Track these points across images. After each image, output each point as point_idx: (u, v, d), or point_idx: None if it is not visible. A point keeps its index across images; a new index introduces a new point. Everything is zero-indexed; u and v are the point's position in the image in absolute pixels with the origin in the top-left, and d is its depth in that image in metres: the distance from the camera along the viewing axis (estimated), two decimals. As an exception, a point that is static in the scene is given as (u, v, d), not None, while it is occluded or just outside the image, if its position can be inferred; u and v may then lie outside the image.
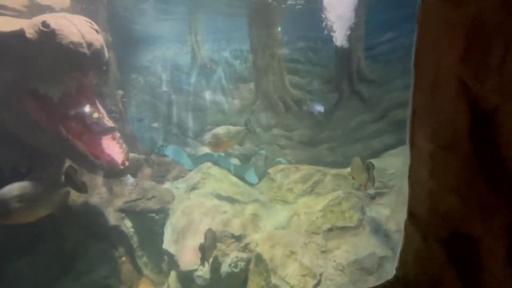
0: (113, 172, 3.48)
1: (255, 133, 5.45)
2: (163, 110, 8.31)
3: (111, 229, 4.74)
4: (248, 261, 4.39)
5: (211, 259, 4.18)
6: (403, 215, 1.85)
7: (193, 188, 5.86)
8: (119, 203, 5.00)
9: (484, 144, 1.22)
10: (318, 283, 3.93)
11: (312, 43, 8.56)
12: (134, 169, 4.62)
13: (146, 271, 5.00)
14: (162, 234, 5.06)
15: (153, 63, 8.68)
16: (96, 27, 2.98)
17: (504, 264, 1.26)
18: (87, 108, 3.50)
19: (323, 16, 6.42)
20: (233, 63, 8.67)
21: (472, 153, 1.25)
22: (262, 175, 6.68)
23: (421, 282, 1.72)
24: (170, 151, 7.96)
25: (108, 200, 4.92)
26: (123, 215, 4.99)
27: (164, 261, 4.93)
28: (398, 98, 7.03)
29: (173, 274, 4.60)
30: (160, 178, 6.13)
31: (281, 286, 3.84)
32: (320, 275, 4.00)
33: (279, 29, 7.13)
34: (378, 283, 1.91)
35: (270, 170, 6.22)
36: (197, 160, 7.29)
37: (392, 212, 4.63)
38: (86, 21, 2.93)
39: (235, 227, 4.73)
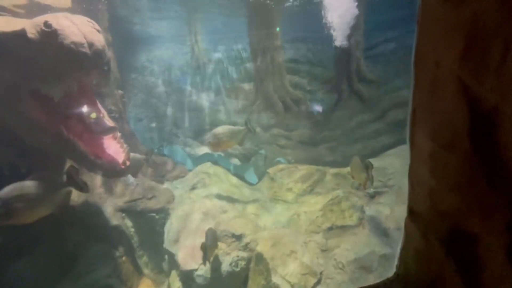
0: (114, 172, 3.49)
1: (255, 133, 5.47)
2: (163, 110, 8.30)
3: (112, 229, 4.75)
4: (248, 260, 4.41)
5: (212, 258, 4.19)
6: (402, 214, 1.85)
7: (193, 188, 5.87)
8: (119, 203, 5.01)
9: (484, 143, 1.23)
10: (319, 281, 3.95)
11: (311, 43, 8.57)
12: (134, 169, 4.62)
13: (146, 271, 5.01)
14: (162, 233, 5.07)
15: (153, 63, 8.67)
16: (97, 27, 2.99)
17: (503, 262, 1.26)
18: (87, 108, 3.50)
19: (323, 16, 6.44)
20: (232, 63, 8.68)
21: (472, 152, 1.26)
22: (262, 175, 6.69)
23: (421, 279, 1.72)
24: (170, 151, 7.96)
25: (109, 200, 4.93)
26: (124, 215, 5.00)
27: (165, 261, 4.94)
28: (397, 98, 7.05)
29: (173, 273, 4.62)
30: (160, 178, 6.14)
31: (282, 285, 3.86)
32: (321, 273, 4.02)
33: (278, 29, 7.14)
34: (378, 281, 1.93)
35: (270, 170, 6.24)
36: (197, 160, 7.30)
37: (391, 211, 4.66)
38: (87, 21, 2.93)
39: (236, 227, 4.74)
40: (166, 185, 5.98)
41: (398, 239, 1.90)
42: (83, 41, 2.73)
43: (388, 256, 4.01)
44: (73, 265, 4.31)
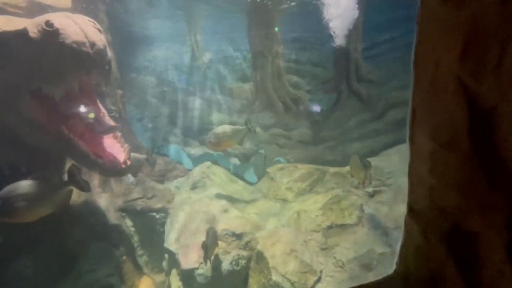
0: (115, 171, 3.50)
1: (255, 133, 5.48)
2: (163, 109, 8.30)
3: (112, 228, 4.75)
4: (249, 259, 4.43)
5: (212, 257, 4.21)
6: (401, 213, 1.86)
7: (193, 187, 5.89)
8: (119, 202, 5.02)
9: (483, 141, 1.24)
10: (319, 279, 3.98)
11: (311, 43, 8.59)
12: (135, 168, 4.63)
13: (146, 270, 5.02)
14: (162, 233, 5.08)
15: (153, 63, 8.65)
16: (98, 26, 3.00)
17: (503, 259, 1.27)
18: (88, 108, 3.51)
19: (322, 16, 6.46)
20: (232, 63, 8.68)
21: (471, 150, 1.27)
22: (261, 175, 6.71)
23: (421, 276, 1.73)
24: (169, 150, 7.96)
25: (109, 199, 4.93)
26: (124, 214, 5.01)
27: (165, 260, 4.95)
28: (396, 98, 7.08)
29: (174, 272, 4.63)
30: (160, 177, 6.14)
31: (282, 283, 3.88)
32: (321, 272, 4.05)
33: (276, 29, 7.15)
34: (378, 278, 1.94)
35: (270, 169, 6.26)
36: (197, 160, 7.31)
37: (390, 209, 4.69)
38: (88, 20, 2.94)
39: (236, 226, 4.76)
40: (166, 184, 5.99)
41: (397, 237, 1.91)
42: (85, 40, 2.74)
43: (387, 254, 4.04)
44: (73, 265, 4.31)
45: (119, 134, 3.70)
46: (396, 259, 1.92)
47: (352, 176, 4.37)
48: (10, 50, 2.88)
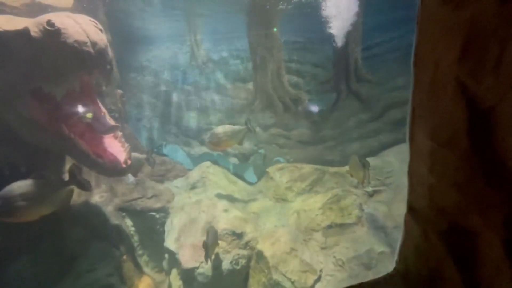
0: (116, 171, 3.50)
1: (255, 133, 5.49)
2: (162, 109, 8.30)
3: (112, 228, 4.76)
4: (249, 258, 4.45)
5: (213, 256, 4.22)
6: (400, 212, 1.86)
7: (193, 187, 5.89)
8: (119, 202, 5.02)
9: (482, 141, 1.25)
10: (319, 278, 4.00)
11: (310, 43, 8.62)
12: (135, 168, 4.63)
13: (146, 270, 5.02)
14: (162, 232, 5.09)
15: (152, 63, 8.66)
16: (100, 26, 3.00)
17: (501, 256, 1.28)
18: (89, 107, 3.51)
19: (322, 17, 6.48)
20: (232, 63, 8.69)
21: (470, 149, 1.29)
22: (261, 174, 6.72)
23: (421, 275, 1.74)
24: (169, 150, 7.97)
25: (109, 199, 4.94)
26: (124, 214, 5.01)
27: (165, 260, 4.96)
28: (395, 98, 7.11)
29: (174, 271, 4.64)
30: (160, 177, 6.15)
31: (282, 282, 3.90)
32: (321, 271, 4.07)
33: (275, 29, 7.16)
34: (378, 276, 1.95)
35: (269, 169, 6.27)
36: (197, 160, 7.32)
37: (389, 209, 4.72)
38: (90, 20, 2.94)
39: (236, 225, 4.77)
40: (165, 184, 6.00)
41: (396, 236, 1.92)
42: (86, 40, 2.74)
43: (387, 253, 4.06)
44: (73, 264, 4.31)
45: (119, 133, 3.70)
46: (396, 257, 1.93)
47: (351, 176, 4.39)
48: (11, 50, 2.87)
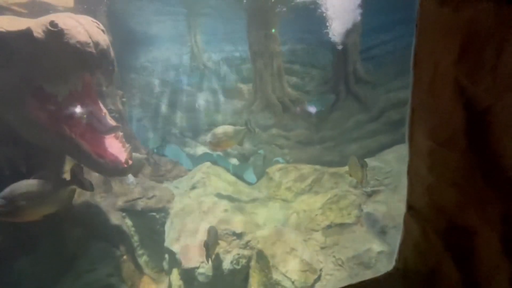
0: (117, 171, 3.51)
1: (255, 133, 5.51)
2: (162, 110, 8.31)
3: (112, 228, 4.76)
4: (249, 258, 4.46)
5: (213, 256, 4.23)
6: (399, 212, 1.88)
7: (193, 187, 5.91)
8: (119, 202, 5.03)
9: (479, 141, 1.28)
10: (319, 278, 4.03)
11: (310, 45, 8.65)
12: (135, 168, 4.65)
13: (146, 270, 5.03)
14: (162, 233, 5.09)
15: (153, 64, 8.67)
16: (102, 27, 3.02)
17: (499, 253, 1.30)
18: (90, 108, 3.52)
19: (321, 18, 6.53)
20: (231, 64, 8.72)
21: (468, 149, 1.31)
22: (260, 175, 6.75)
23: (420, 272, 1.76)
24: (169, 151, 7.98)
25: (109, 199, 4.95)
26: (124, 214, 5.02)
27: (165, 260, 4.97)
28: (394, 99, 7.15)
29: (174, 271, 4.64)
30: (160, 177, 6.16)
31: (283, 282, 3.92)
32: (320, 270, 4.10)
33: (273, 30, 7.19)
34: (378, 275, 1.97)
35: (269, 170, 6.30)
36: (196, 160, 7.33)
37: (388, 208, 4.75)
38: (92, 21, 2.96)
39: (236, 225, 4.79)
40: (165, 184, 6.01)
41: (395, 236, 1.94)
42: (89, 40, 2.76)
43: (386, 253, 4.10)
44: (73, 264, 4.31)
45: (120, 134, 3.72)
46: (395, 256, 1.95)
47: (350, 176, 4.43)
48: (14, 50, 2.89)
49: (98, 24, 3.00)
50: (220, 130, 5.00)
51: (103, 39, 2.91)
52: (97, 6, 5.29)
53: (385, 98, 7.29)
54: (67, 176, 3.55)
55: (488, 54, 1.18)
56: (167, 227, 5.09)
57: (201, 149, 7.54)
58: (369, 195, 5.24)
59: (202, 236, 4.38)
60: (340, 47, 6.95)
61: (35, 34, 2.76)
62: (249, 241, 4.60)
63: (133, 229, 5.05)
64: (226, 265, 4.35)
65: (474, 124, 1.27)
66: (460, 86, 1.29)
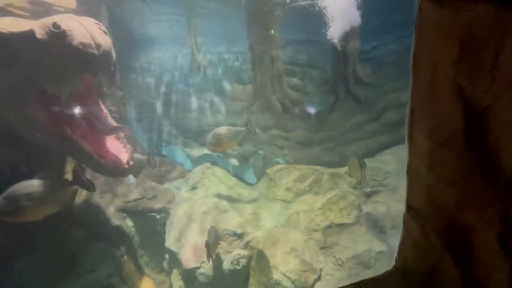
0: (118, 172, 3.52)
1: (255, 134, 5.53)
2: (162, 110, 8.32)
3: (113, 228, 4.77)
4: (249, 258, 4.48)
5: (214, 256, 4.25)
6: (398, 212, 1.89)
7: (193, 188, 5.92)
8: (120, 203, 5.04)
9: (478, 140, 1.30)
10: (319, 278, 4.05)
11: (309, 46, 8.67)
12: (136, 169, 4.66)
13: (147, 270, 5.04)
14: (163, 233, 5.10)
15: (153, 64, 8.67)
16: (104, 28, 3.04)
17: (497, 251, 1.32)
18: (91, 108, 3.54)
19: (321, 19, 6.55)
20: (232, 65, 8.73)
21: (467, 149, 1.33)
22: (260, 175, 6.76)
23: (419, 271, 1.77)
24: (169, 151, 7.99)
25: (110, 200, 4.96)
26: (125, 214, 5.03)
27: (165, 260, 4.97)
28: (393, 100, 7.18)
29: (175, 272, 4.65)
30: (160, 178, 6.17)
31: (283, 282, 3.94)
32: (320, 270, 4.12)
33: (272, 31, 7.22)
34: (378, 274, 1.99)
35: (269, 170, 6.31)
36: (196, 161, 7.33)
37: (387, 209, 4.77)
38: (94, 22, 2.98)
39: (236, 226, 4.81)
40: (166, 185, 6.02)
41: (394, 236, 1.96)
42: (91, 42, 2.78)
43: (385, 253, 4.12)
44: (74, 265, 4.32)
45: (121, 134, 3.73)
46: (395, 255, 1.96)
47: (350, 176, 4.45)
48: (17, 51, 2.90)
49: (100, 26, 3.02)
50: (220, 130, 5.02)
51: (105, 40, 2.94)
52: (98, 7, 5.31)
53: (385, 99, 7.32)
54: (68, 176, 3.56)
55: (487, 55, 1.20)
56: (167, 227, 5.10)
57: (201, 150, 7.55)
58: (369, 195, 5.26)
59: (202, 236, 4.39)
60: (339, 48, 6.99)
61: (37, 35, 2.78)
62: (249, 241, 4.61)
63: (133, 229, 5.05)
64: (227, 265, 4.36)
65: (473, 124, 1.29)
66: (459, 87, 1.30)
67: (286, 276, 3.99)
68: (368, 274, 3.90)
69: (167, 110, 8.31)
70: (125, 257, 4.69)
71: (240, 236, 4.67)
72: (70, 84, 3.02)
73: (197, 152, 7.59)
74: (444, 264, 1.60)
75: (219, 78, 8.50)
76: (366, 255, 4.16)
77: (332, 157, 6.85)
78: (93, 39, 2.81)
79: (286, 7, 7.28)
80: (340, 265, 4.13)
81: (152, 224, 5.25)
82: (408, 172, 1.84)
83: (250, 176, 7.09)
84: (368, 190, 5.33)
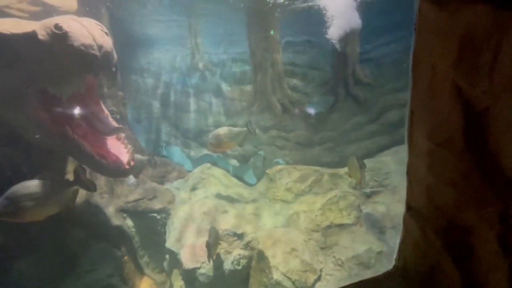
0: (119, 172, 3.53)
1: (256, 134, 5.54)
2: (162, 111, 8.33)
3: (113, 229, 4.78)
4: (250, 259, 4.49)
5: (215, 256, 4.25)
6: (398, 212, 1.90)
7: (194, 188, 5.92)
8: (120, 203, 5.05)
9: (477, 141, 1.31)
10: (319, 278, 4.06)
11: (309, 46, 8.68)
12: (137, 169, 4.67)
13: (147, 271, 5.04)
14: (163, 233, 5.11)
15: (153, 65, 8.69)
16: (105, 29, 3.06)
17: (496, 251, 1.33)
18: (92, 109, 3.55)
19: (321, 20, 6.57)
20: (232, 66, 8.73)
21: (466, 149, 1.34)
22: (260, 176, 6.77)
23: (419, 271, 1.77)
24: (169, 152, 7.99)
25: (110, 200, 4.96)
26: (125, 215, 5.04)
27: (166, 260, 4.98)
28: (392, 101, 7.19)
29: (175, 272, 4.66)
30: (160, 178, 6.18)
31: (283, 282, 3.95)
32: (320, 270, 4.13)
33: (271, 32, 7.23)
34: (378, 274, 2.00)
35: (269, 171, 6.32)
36: (196, 161, 7.34)
37: (387, 209, 4.78)
38: (96, 23, 2.99)
39: (236, 226, 4.81)
40: (166, 185, 6.03)
41: (394, 236, 1.96)
42: (93, 43, 2.80)
43: (385, 253, 4.13)
44: (74, 264, 4.33)
45: (122, 135, 3.74)
46: (395, 255, 1.97)
47: (350, 177, 4.46)
48: (18, 52, 2.92)
49: (102, 27, 3.04)
50: (220, 131, 5.03)
51: (107, 41, 2.95)
52: (99, 9, 5.33)
53: (384, 99, 7.34)
54: (69, 176, 3.57)
55: (486, 56, 1.21)
56: (167, 227, 5.11)
57: (201, 150, 7.56)
58: (369, 195, 5.27)
59: (202, 236, 4.40)
60: (339, 49, 7.00)
61: (39, 36, 2.79)
62: (249, 242, 4.62)
63: (134, 229, 5.06)
64: (227, 265, 4.37)
65: (473, 125, 1.30)
66: (458, 88, 1.31)
67: (286, 276, 4.00)
68: (368, 274, 3.91)
69: (167, 110, 8.32)
70: (125, 258, 4.70)
71: (240, 236, 4.68)
72: (71, 84, 3.04)
73: (197, 152, 7.60)
74: (444, 264, 1.61)
75: (219, 78, 8.51)
76: (366, 255, 4.17)
77: (332, 157, 6.86)
78: (94, 40, 2.82)
79: (287, 8, 7.30)
80: (340, 265, 4.14)
81: (152, 224, 5.26)
82: (408, 173, 1.84)
83: (250, 176, 7.10)
84: (368, 190, 5.34)
